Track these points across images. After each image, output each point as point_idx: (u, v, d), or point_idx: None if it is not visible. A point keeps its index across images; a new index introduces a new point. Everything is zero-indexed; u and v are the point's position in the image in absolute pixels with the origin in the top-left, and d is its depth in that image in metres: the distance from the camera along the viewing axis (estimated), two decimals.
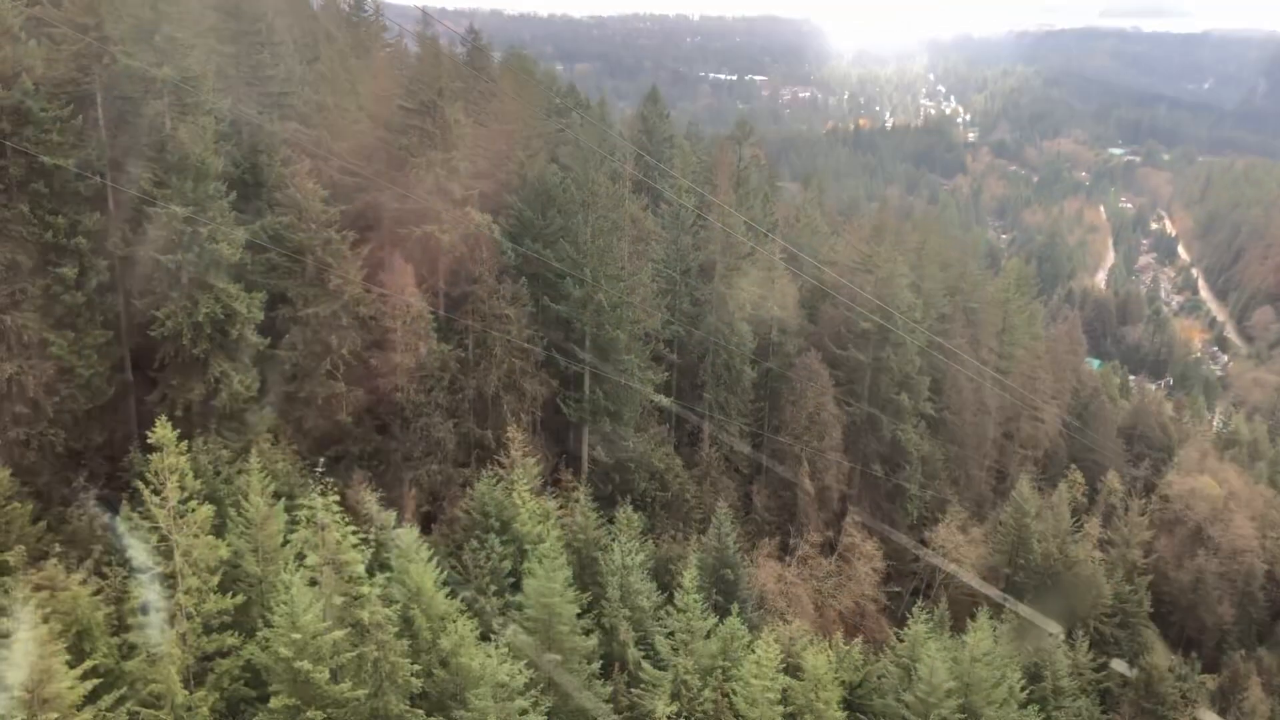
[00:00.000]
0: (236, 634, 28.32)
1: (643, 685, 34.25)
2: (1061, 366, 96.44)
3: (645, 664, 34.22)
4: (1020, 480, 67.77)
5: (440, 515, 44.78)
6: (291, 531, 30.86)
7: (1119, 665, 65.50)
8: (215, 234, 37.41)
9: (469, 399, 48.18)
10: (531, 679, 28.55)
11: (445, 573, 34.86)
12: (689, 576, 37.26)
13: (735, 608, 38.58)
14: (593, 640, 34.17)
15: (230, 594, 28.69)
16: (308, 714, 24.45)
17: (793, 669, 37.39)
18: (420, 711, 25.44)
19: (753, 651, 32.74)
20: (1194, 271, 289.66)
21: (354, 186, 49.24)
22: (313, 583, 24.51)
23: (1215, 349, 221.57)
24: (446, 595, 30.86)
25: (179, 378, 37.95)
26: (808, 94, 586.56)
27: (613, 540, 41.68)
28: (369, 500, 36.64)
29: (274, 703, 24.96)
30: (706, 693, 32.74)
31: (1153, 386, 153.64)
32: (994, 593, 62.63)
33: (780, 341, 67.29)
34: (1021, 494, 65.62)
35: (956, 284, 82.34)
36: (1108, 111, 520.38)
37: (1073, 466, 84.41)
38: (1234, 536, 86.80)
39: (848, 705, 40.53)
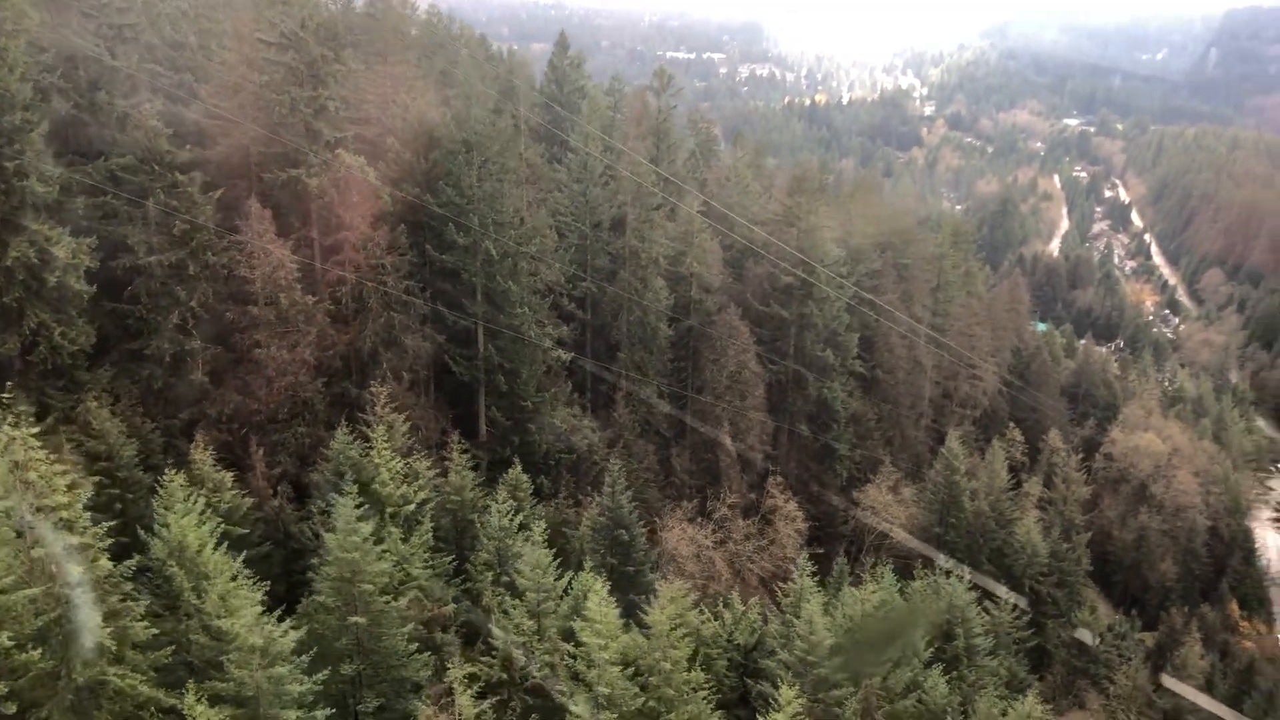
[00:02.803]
0: None
1: (493, 652, 31.16)
2: (1001, 325, 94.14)
3: (495, 628, 31.08)
4: (950, 436, 65.19)
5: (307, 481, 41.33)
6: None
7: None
8: (26, 169, 33.68)
9: (340, 355, 44.65)
10: (308, 642, 25.17)
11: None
12: (538, 530, 34.08)
13: (587, 566, 35.35)
14: (408, 598, 30.56)
15: None
16: None
17: (684, 630, 34.39)
18: (138, 679, 21.96)
19: (585, 611, 29.63)
20: (1147, 237, 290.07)
21: (219, 131, 45.67)
22: (18, 534, 20.78)
23: (1167, 312, 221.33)
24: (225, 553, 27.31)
25: None
26: (765, 71, 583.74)
27: (490, 504, 38.46)
28: (202, 459, 33.16)
29: None
30: (542, 655, 29.67)
31: (1103, 349, 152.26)
32: (927, 550, 60.29)
33: (701, 299, 64.18)
34: (951, 450, 63.04)
35: (887, 239, 79.45)
36: (1062, 83, 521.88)
37: (1011, 425, 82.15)
38: (1177, 493, 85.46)
39: (741, 668, 37.75)
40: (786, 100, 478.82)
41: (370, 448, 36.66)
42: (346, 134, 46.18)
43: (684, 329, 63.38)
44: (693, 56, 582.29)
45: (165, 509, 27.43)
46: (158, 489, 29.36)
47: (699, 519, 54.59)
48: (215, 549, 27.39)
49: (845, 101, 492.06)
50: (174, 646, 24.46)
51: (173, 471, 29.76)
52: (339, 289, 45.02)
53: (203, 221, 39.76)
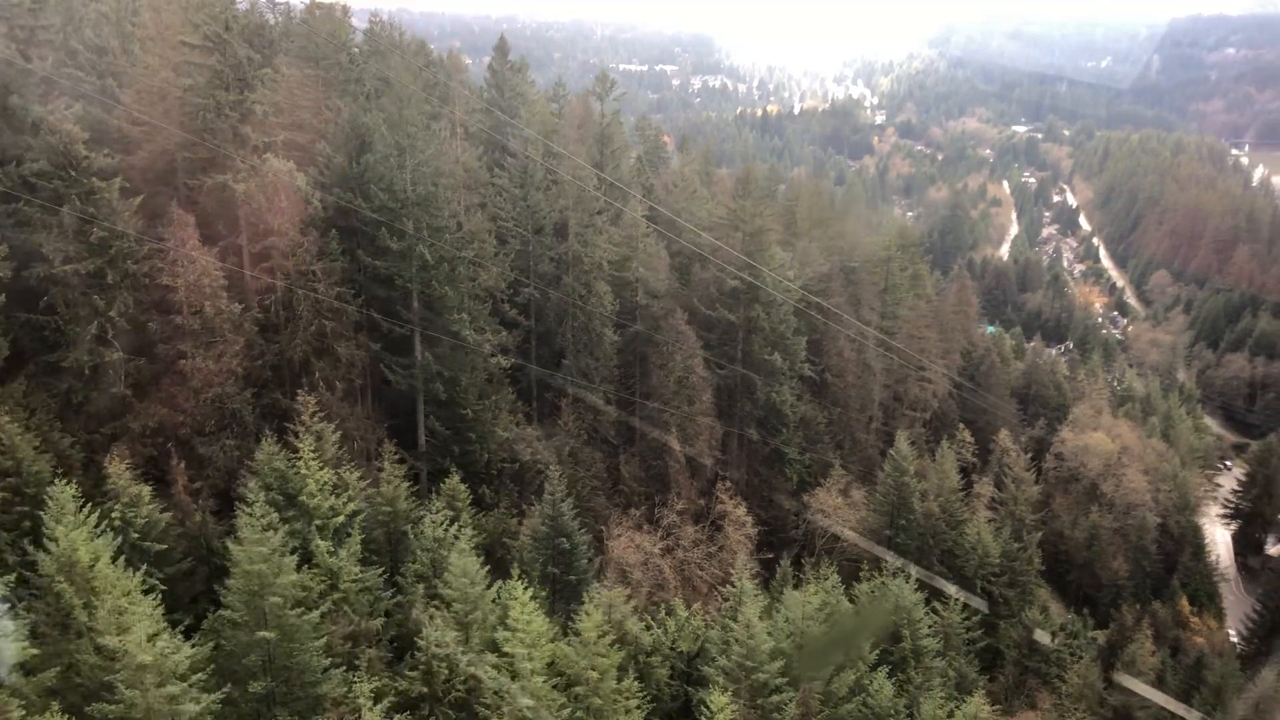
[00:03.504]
0: None
1: (420, 666, 30.05)
2: (950, 328, 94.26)
3: (422, 641, 29.94)
4: (898, 438, 64.84)
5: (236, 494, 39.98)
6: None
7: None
8: None
9: (270, 365, 43.38)
10: (200, 661, 23.93)
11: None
12: (465, 538, 33.10)
13: (515, 574, 34.25)
14: (321, 610, 29.35)
15: None
16: None
17: (621, 639, 33.52)
18: (14, 703, 20.70)
19: (505, 620, 28.66)
20: (1095, 240, 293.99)
21: (143, 136, 44.37)
22: None
23: (1115, 313, 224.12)
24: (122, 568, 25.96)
25: None
26: (718, 82, 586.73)
27: (424, 514, 37.41)
28: (118, 472, 31.82)
29: None
30: (466, 667, 28.65)
31: (1052, 351, 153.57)
32: (877, 552, 59.90)
33: (647, 304, 63.46)
34: (899, 451, 62.67)
35: (834, 242, 79.29)
36: (1010, 91, 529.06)
37: (961, 426, 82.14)
38: (1127, 491, 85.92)
39: (685, 676, 36.91)
40: (739, 110, 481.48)
41: (298, 459, 35.46)
42: (276, 138, 45.03)
43: (630, 334, 62.62)
44: (645, 68, 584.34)
45: (55, 522, 25.98)
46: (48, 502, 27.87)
47: (647, 526, 53.77)
48: (119, 564, 26.05)
49: (797, 111, 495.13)
50: (62, 667, 23.18)
51: (62, 483, 28.21)
52: (268, 296, 43.77)
53: (122, 228, 38.42)
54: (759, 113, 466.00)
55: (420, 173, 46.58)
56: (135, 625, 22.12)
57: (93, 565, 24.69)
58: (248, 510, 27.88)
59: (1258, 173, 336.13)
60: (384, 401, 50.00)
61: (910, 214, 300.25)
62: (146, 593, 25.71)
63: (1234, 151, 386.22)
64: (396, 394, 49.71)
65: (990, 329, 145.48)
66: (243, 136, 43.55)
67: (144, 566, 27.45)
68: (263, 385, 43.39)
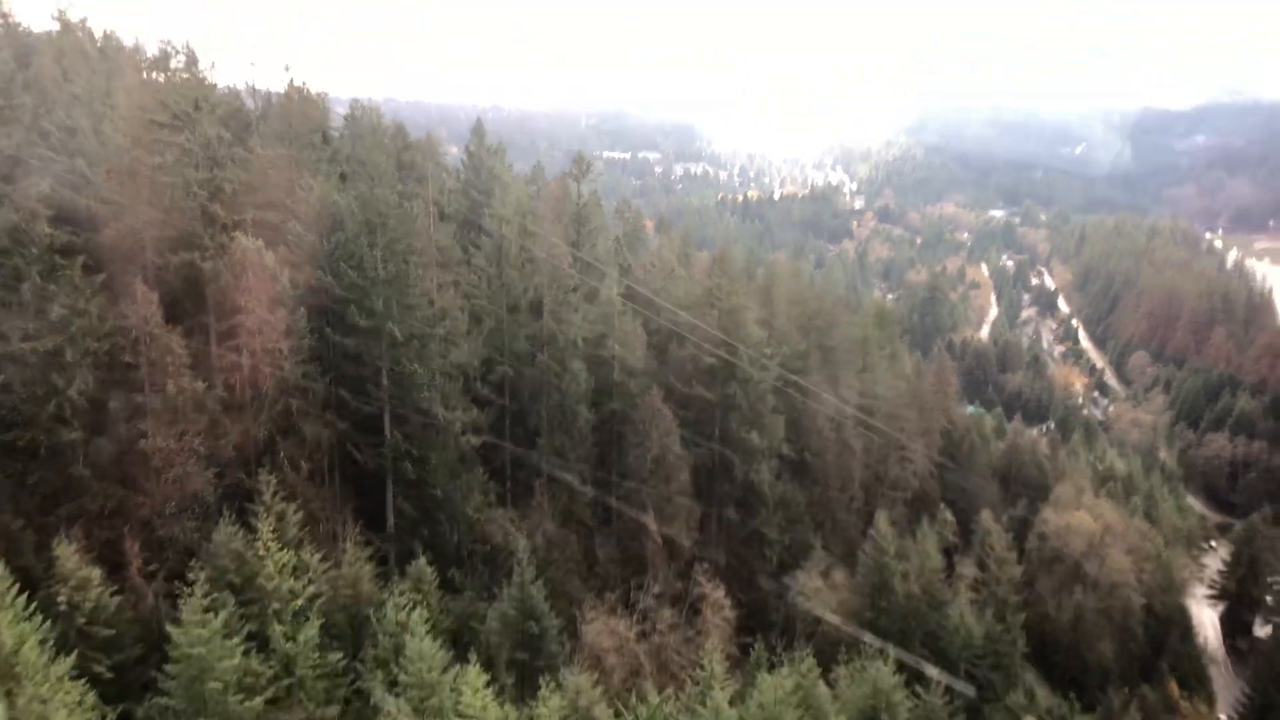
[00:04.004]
0: None
1: None
2: (930, 407, 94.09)
3: None
4: (878, 518, 63.99)
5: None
6: None
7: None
8: None
9: (234, 444, 42.45)
10: None
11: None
12: (414, 618, 31.95)
13: (474, 659, 32.98)
14: (271, 700, 28.12)
15: None
16: None
17: None
18: None
19: (460, 706, 27.40)
20: (1074, 322, 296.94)
21: (111, 214, 44.02)
22: None
23: (1096, 394, 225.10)
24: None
25: None
26: (700, 169, 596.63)
27: (388, 597, 36.28)
28: (66, 555, 30.72)
29: None
30: None
31: (1033, 431, 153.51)
32: (858, 635, 58.56)
33: (623, 382, 63.00)
34: (880, 532, 61.80)
35: (810, 321, 79.36)
36: (986, 177, 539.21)
37: (942, 506, 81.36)
38: (1111, 571, 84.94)
39: None
40: (720, 196, 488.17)
41: (257, 540, 34.43)
42: (245, 217, 44.86)
43: (606, 413, 62.01)
44: (629, 156, 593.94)
45: None
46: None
47: (622, 610, 52.46)
48: (61, 650, 24.89)
49: (777, 196, 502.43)
50: None
51: None
52: (233, 375, 43.04)
53: (83, 306, 37.85)
54: (740, 198, 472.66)
55: (391, 250, 46.35)
56: (55, 715, 20.99)
57: (17, 650, 23.56)
58: (189, 591, 26.78)
59: (1231, 256, 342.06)
60: (352, 481, 49.00)
61: (890, 296, 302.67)
62: (79, 679, 24.50)
63: (1208, 235, 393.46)
64: (365, 473, 48.76)
65: (971, 409, 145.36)
66: (211, 214, 43.33)
67: (78, 652, 26.16)
68: (226, 465, 42.37)
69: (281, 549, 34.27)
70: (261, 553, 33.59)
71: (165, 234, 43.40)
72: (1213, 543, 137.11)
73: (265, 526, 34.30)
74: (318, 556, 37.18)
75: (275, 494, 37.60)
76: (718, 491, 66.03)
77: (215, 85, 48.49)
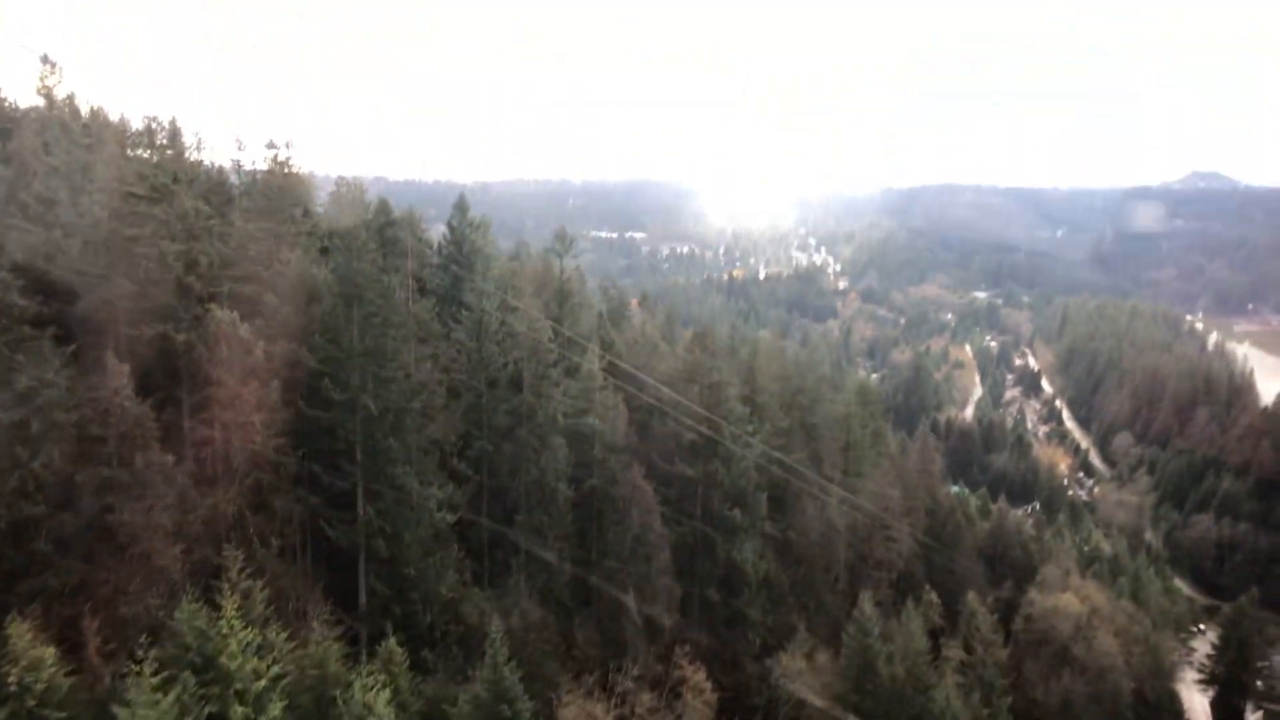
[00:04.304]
0: None
1: None
2: (914, 486, 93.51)
3: None
4: (862, 598, 62.90)
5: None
6: None
7: None
8: None
9: (202, 519, 41.49)
10: None
11: None
12: (380, 700, 30.88)
13: None
14: None
15: None
16: None
17: None
18: None
19: None
20: (1058, 402, 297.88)
21: (86, 286, 43.71)
22: None
23: (1081, 475, 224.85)
24: None
25: None
26: (686, 249, 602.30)
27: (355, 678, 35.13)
28: (19, 634, 29.64)
29: None
30: None
31: (1019, 512, 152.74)
32: (843, 718, 57.30)
33: (604, 458, 62.35)
34: (863, 613, 60.66)
35: (794, 398, 79.11)
36: (969, 259, 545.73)
37: (927, 587, 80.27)
38: (1099, 654, 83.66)
39: None
40: (706, 275, 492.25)
41: (220, 618, 33.35)
42: (222, 289, 44.59)
43: (586, 490, 61.24)
44: (616, 236, 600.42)
45: None
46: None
47: (600, 693, 51.09)
48: None
49: (762, 276, 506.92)
50: None
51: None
52: (204, 449, 42.32)
53: (51, 377, 37.22)
54: (725, 277, 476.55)
55: (368, 323, 46.00)
56: None
57: None
58: (138, 670, 25.80)
59: (1212, 338, 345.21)
60: (323, 558, 47.91)
61: (875, 375, 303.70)
62: None
63: (1188, 318, 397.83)
64: (337, 550, 47.71)
65: (955, 489, 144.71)
66: (187, 287, 43.04)
67: None
68: (194, 540, 41.34)
69: (246, 627, 33.17)
70: (225, 631, 32.50)
71: (140, 306, 43.04)
72: (1201, 626, 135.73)
73: (230, 604, 33.25)
74: (284, 635, 36.04)
75: (242, 570, 36.54)
76: (700, 571, 65.00)
77: (200, 161, 48.72)
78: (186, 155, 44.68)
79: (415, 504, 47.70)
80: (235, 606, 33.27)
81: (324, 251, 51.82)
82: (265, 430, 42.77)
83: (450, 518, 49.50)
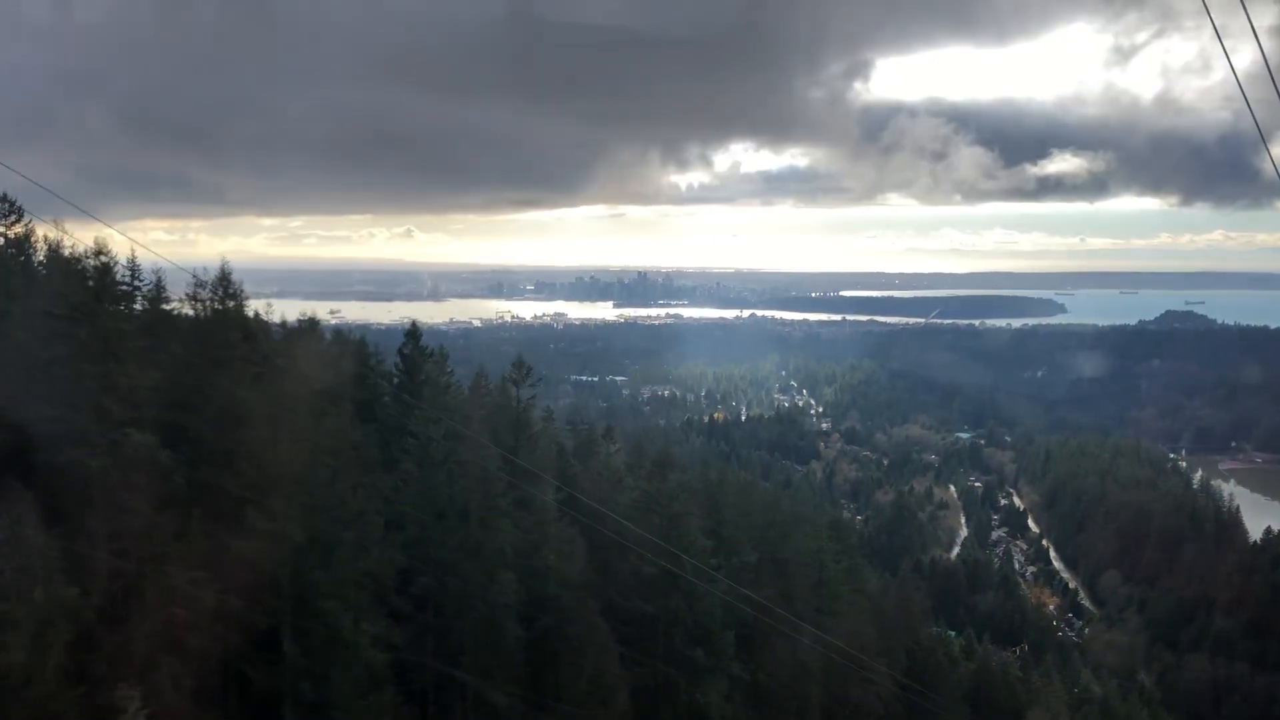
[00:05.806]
0: None
1: None
2: (893, 626, 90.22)
3: None
4: None
5: None
6: None
7: None
8: None
9: (108, 658, 38.52)
10: None
11: None
12: None
13: None
14: None
15: None
16: None
17: None
18: None
19: None
20: (1044, 542, 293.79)
21: None
22: None
23: (1070, 615, 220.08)
24: None
25: None
26: (667, 392, 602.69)
27: None
28: None
29: None
30: None
31: (1006, 653, 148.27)
32: None
33: (558, 594, 59.44)
34: None
35: (762, 533, 76.68)
36: (950, 400, 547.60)
37: None
38: None
39: None
40: (687, 418, 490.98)
41: None
42: (144, 414, 42.61)
43: (539, 629, 58.13)
44: (597, 379, 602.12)
45: None
46: None
47: None
48: None
49: (743, 418, 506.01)
50: None
51: None
52: (114, 582, 39.63)
53: None
54: (706, 420, 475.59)
55: (298, 448, 43.98)
56: None
57: None
58: None
59: (1196, 476, 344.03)
60: (245, 702, 44.66)
61: (859, 517, 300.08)
62: None
63: (1171, 456, 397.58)
64: (260, 693, 44.48)
65: (935, 630, 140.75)
66: (104, 410, 41.05)
67: None
68: (97, 682, 38.30)
69: None
70: None
71: (52, 431, 41.01)
72: None
73: None
74: None
75: (140, 711, 33.58)
76: (661, 715, 61.42)
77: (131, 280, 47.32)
78: (114, 273, 43.20)
79: (347, 642, 44.69)
80: None
81: (257, 377, 50.11)
82: (182, 562, 40.20)
83: (387, 658, 46.40)
